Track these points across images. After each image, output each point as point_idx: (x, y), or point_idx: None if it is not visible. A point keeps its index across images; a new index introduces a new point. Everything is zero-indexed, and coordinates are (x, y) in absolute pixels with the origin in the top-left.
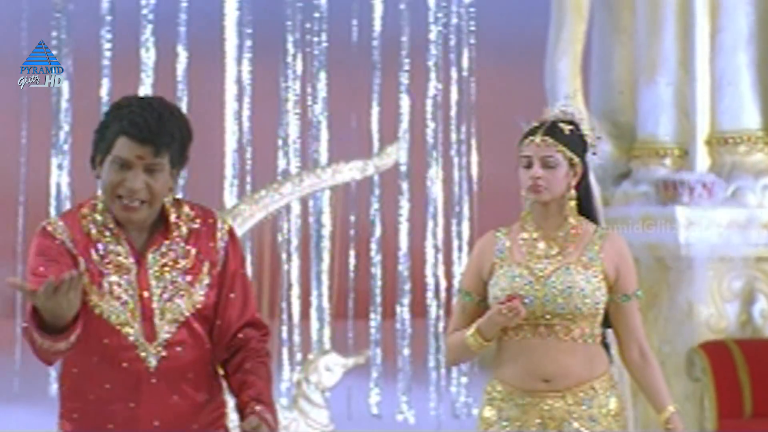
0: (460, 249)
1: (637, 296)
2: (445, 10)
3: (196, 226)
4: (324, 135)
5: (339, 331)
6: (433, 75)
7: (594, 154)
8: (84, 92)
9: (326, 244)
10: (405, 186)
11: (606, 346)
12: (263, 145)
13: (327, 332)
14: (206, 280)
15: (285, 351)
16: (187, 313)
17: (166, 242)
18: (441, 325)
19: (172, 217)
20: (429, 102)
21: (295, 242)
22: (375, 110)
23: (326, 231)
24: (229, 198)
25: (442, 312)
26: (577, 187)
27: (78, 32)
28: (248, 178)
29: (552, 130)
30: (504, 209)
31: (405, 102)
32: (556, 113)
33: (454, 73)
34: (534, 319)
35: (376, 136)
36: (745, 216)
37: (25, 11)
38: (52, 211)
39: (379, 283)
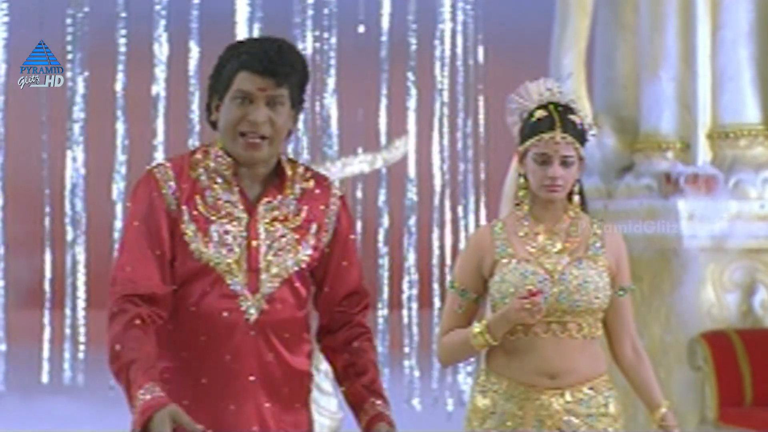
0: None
1: (631, 290)
2: (452, 7)
3: (309, 186)
4: (334, 129)
5: None
6: (439, 71)
7: (586, 140)
8: (99, 86)
9: None
10: (412, 179)
11: None
12: None
13: None
14: (312, 241)
15: None
16: (292, 270)
17: (279, 197)
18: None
19: (288, 173)
20: (436, 97)
21: None
22: (383, 105)
23: None
24: None
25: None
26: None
27: (93, 29)
28: None
29: (567, 125)
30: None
31: (413, 97)
32: (548, 92)
33: (460, 68)
34: (545, 317)
35: (384, 130)
36: (746, 208)
37: (40, 9)
38: (67, 204)
39: (386, 274)
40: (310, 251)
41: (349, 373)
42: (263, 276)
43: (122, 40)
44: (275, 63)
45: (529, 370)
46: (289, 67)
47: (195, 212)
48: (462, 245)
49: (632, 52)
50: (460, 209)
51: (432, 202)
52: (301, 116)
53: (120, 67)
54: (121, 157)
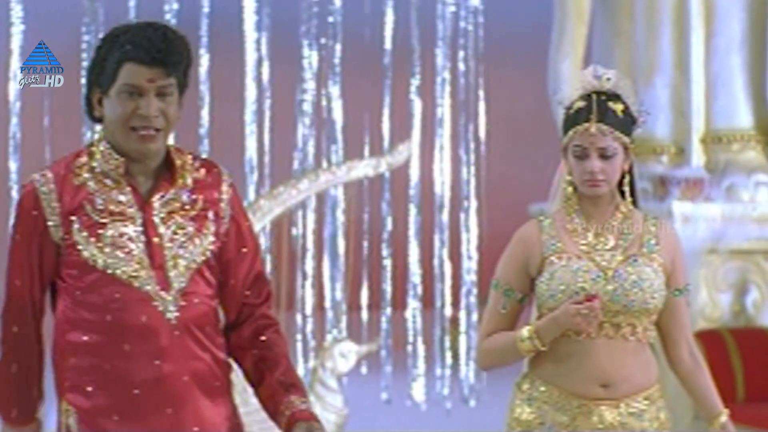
0: (468, 242)
1: (687, 290)
2: (454, 15)
3: (200, 175)
4: (339, 134)
5: (353, 321)
6: (440, 77)
7: (638, 127)
8: None
9: (340, 237)
10: (415, 182)
11: None
12: (281, 143)
13: (343, 322)
14: (212, 228)
15: (300, 339)
16: (200, 260)
17: (172, 189)
18: (447, 314)
19: (178, 163)
20: (438, 102)
21: (310, 236)
22: (386, 110)
23: (340, 225)
24: (249, 194)
25: (448, 302)
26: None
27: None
28: (267, 174)
29: (606, 114)
30: (509, 204)
31: (415, 102)
32: (596, 81)
33: (461, 75)
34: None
35: (387, 135)
36: (739, 211)
37: (56, 16)
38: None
39: (389, 275)
40: (212, 238)
41: (261, 369)
42: (172, 273)
43: None
44: (163, 52)
45: (579, 377)
46: (177, 55)
47: (84, 218)
48: (464, 247)
49: (628, 59)
50: (461, 211)
51: (433, 204)
52: (308, 121)
53: None
54: None
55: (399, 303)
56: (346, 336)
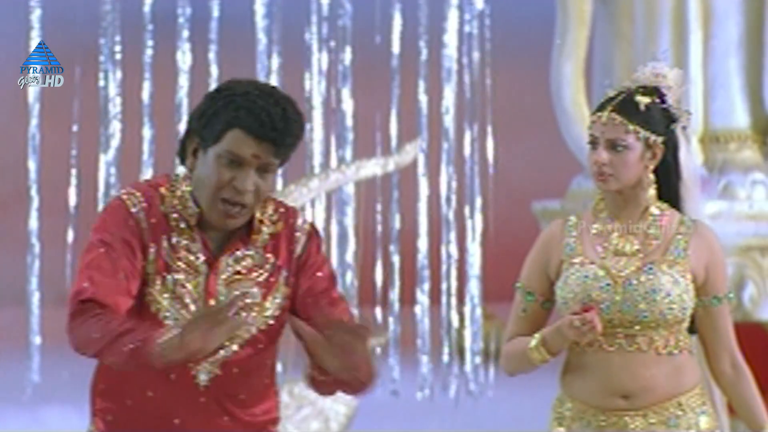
0: (473, 239)
1: (728, 299)
2: (459, 19)
3: (278, 230)
4: (348, 134)
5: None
6: (446, 80)
7: (684, 127)
8: (129, 93)
9: (350, 235)
10: (423, 181)
11: None
12: None
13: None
14: (280, 295)
15: None
16: (254, 331)
17: (244, 248)
18: (453, 310)
19: (256, 221)
20: (445, 103)
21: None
22: (394, 111)
23: (350, 222)
24: None
25: (453, 299)
26: (656, 170)
27: (124, 39)
28: (278, 174)
29: (624, 105)
30: (514, 203)
31: (423, 103)
32: (645, 75)
33: (467, 77)
34: (611, 328)
35: (395, 135)
36: (736, 208)
37: (73, 20)
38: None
39: (397, 271)
40: (275, 308)
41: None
42: None
43: (149, 51)
44: (278, 131)
45: (597, 389)
46: (291, 137)
47: (161, 253)
48: (470, 244)
49: (629, 61)
50: (467, 209)
51: (440, 202)
52: (320, 121)
53: (147, 75)
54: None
55: (407, 298)
56: None
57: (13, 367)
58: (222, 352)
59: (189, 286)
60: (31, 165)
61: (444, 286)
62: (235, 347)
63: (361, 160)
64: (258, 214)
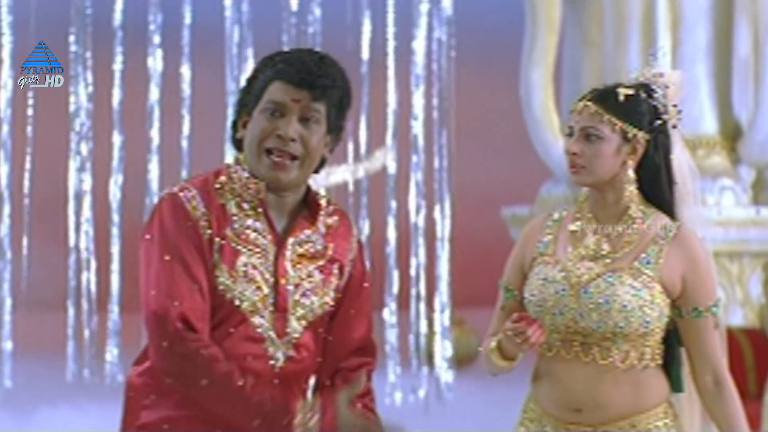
0: (442, 245)
1: (712, 312)
2: (428, 26)
3: (334, 222)
4: None
5: None
6: (415, 86)
7: (674, 126)
8: (100, 98)
9: None
10: (391, 187)
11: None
12: None
13: None
14: (334, 282)
15: None
16: (318, 313)
17: (308, 231)
18: (422, 314)
19: (314, 202)
20: (413, 110)
21: None
22: (363, 118)
23: None
24: None
25: (422, 304)
26: (642, 171)
27: (94, 45)
28: None
29: (602, 95)
30: (483, 209)
31: (391, 110)
32: (645, 75)
33: (436, 83)
34: (568, 335)
35: (364, 142)
36: (704, 215)
37: (44, 25)
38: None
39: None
40: (332, 294)
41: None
42: (291, 319)
43: (119, 57)
44: (314, 74)
45: (553, 398)
46: (329, 80)
47: (224, 242)
48: (438, 249)
49: (597, 67)
50: (435, 213)
51: (407, 207)
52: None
53: (117, 81)
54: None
55: (376, 304)
56: None
57: None
58: (293, 332)
59: (258, 266)
60: (3, 170)
61: (413, 291)
62: (301, 327)
63: (331, 167)
64: (315, 196)
